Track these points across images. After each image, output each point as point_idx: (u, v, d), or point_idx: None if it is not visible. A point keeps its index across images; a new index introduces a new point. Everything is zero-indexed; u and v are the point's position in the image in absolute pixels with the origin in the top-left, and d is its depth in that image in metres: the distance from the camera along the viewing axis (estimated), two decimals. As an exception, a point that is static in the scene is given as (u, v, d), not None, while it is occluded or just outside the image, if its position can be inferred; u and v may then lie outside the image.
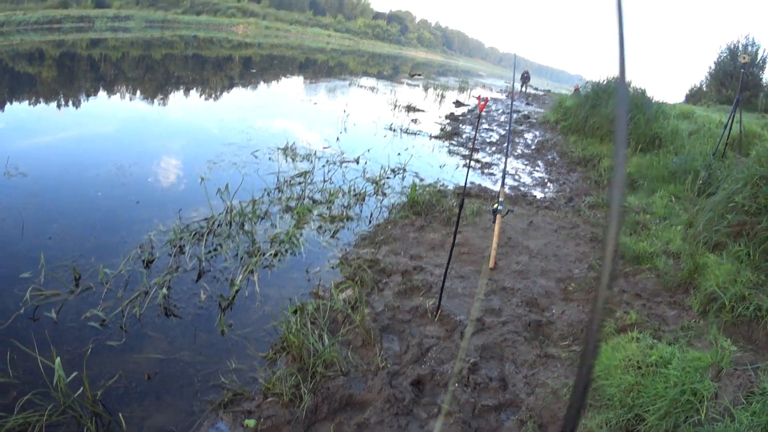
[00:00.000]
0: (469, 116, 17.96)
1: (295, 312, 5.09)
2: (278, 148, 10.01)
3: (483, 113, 19.74)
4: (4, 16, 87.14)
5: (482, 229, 7.04)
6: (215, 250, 6.12)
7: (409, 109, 17.18)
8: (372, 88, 22.59)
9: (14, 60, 40.95)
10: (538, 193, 9.50)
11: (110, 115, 17.11)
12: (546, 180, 10.71)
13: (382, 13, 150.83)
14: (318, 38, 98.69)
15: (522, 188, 9.73)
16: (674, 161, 9.90)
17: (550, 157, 13.03)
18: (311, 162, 9.28)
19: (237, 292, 5.49)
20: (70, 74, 33.26)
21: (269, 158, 9.35)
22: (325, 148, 10.63)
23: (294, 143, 10.30)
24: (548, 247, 6.83)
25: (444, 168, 10.30)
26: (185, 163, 9.07)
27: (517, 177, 10.68)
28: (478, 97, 5.20)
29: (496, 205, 5.68)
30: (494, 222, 5.88)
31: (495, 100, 25.92)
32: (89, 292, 5.22)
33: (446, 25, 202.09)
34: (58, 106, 20.27)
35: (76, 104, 20.67)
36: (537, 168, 11.87)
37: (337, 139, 11.11)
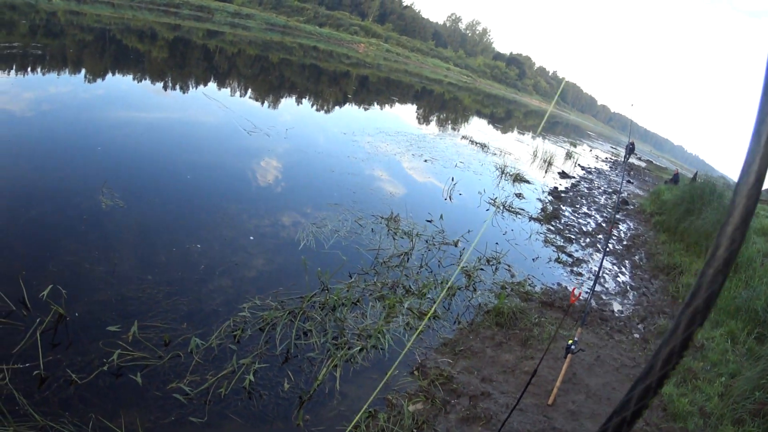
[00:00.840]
0: (571, 193, 18.00)
1: (367, 417, 5.30)
2: (382, 218, 10.19)
3: (584, 188, 19.83)
4: None
5: (554, 358, 7.01)
6: (305, 334, 6.25)
7: (516, 179, 17.19)
8: (482, 146, 22.59)
9: (124, 34, 42.36)
10: (617, 305, 9.52)
11: (218, 117, 17.76)
12: (628, 287, 10.71)
13: (502, 54, 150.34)
14: (437, 70, 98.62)
15: (603, 296, 9.73)
16: (741, 295, 9.64)
17: (638, 257, 13.00)
18: (412, 241, 9.40)
19: (318, 385, 5.67)
20: (181, 59, 34.40)
21: (372, 230, 9.52)
22: (428, 221, 10.77)
23: (398, 214, 10.48)
24: (605, 388, 6.85)
25: (536, 262, 10.36)
26: (291, 222, 9.28)
27: (601, 279, 10.65)
28: (572, 291, 5.75)
29: (570, 342, 5.77)
30: (565, 358, 5.98)
31: (599, 173, 25.83)
32: (177, 361, 5.48)
33: (563, 76, 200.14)
34: (165, 88, 21.88)
35: (184, 89, 22.78)
36: (623, 270, 11.91)
37: (441, 216, 11.08)
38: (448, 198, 13.01)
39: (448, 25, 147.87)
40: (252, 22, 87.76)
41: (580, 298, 8.68)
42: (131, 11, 69.78)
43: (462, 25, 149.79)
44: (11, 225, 7.68)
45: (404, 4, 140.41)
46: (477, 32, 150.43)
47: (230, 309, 6.37)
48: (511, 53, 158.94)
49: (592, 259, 11.79)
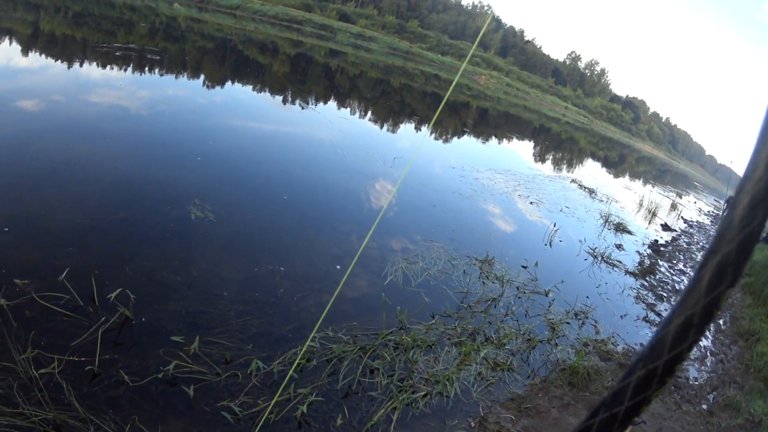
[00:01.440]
0: (670, 247, 17.57)
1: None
2: (477, 259, 10.07)
3: (683, 243, 19.42)
4: (240, 0, 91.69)
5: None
6: (371, 372, 6.14)
7: (618, 228, 16.93)
8: (590, 191, 22.40)
9: (245, 45, 43.14)
10: (693, 371, 9.19)
11: (329, 137, 18.04)
12: (707, 353, 10.34)
13: (618, 97, 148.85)
14: (555, 107, 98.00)
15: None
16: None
17: (721, 320, 12.55)
18: (502, 286, 9.25)
19: (371, 425, 5.57)
20: (302, 75, 34.84)
21: (464, 271, 9.40)
22: (523, 266, 10.63)
23: (494, 257, 10.35)
24: (657, 467, 6.26)
25: (624, 319, 10.10)
26: (382, 255, 9.24)
27: None
28: None
29: None
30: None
31: (699, 227, 25.19)
32: (234, 381, 5.48)
33: (675, 123, 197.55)
34: (284, 101, 22.40)
35: (302, 105, 23.00)
36: (706, 333, 11.21)
37: (536, 264, 10.93)
38: (548, 244, 12.88)
39: (567, 63, 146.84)
40: (374, 45, 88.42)
41: None
42: (253, 23, 71.50)
43: (581, 64, 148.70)
44: (96, 222, 7.92)
45: (526, 38, 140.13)
46: (595, 72, 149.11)
47: (300, 336, 6.36)
48: (627, 96, 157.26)
49: None
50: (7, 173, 9.31)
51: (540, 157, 30.90)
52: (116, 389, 4.97)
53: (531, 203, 16.49)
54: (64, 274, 6.20)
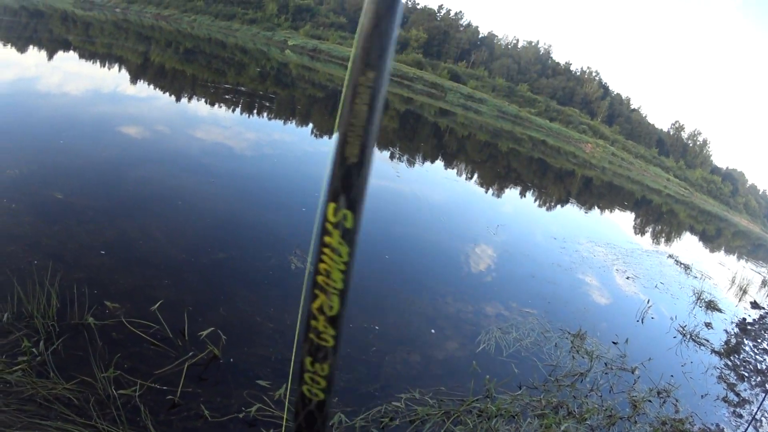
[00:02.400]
0: (757, 326, 17.06)
1: None
2: (569, 333, 10.13)
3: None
4: (350, 52, 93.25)
5: None
6: None
7: (709, 306, 16.59)
8: (686, 267, 22.11)
9: None
10: None
11: (434, 196, 18.69)
12: None
13: (718, 168, 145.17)
14: (657, 179, 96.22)
15: None
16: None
17: None
18: (591, 361, 9.27)
19: None
20: (411, 132, 35.14)
21: (555, 344, 9.46)
22: (614, 342, 10.59)
23: (586, 331, 10.37)
24: None
25: (704, 398, 9.97)
26: (477, 323, 9.30)
27: (760, 423, 10.03)
28: None
29: None
30: None
31: None
32: None
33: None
34: (391, 157, 22.86)
35: (410, 162, 23.63)
36: None
37: (627, 340, 10.80)
38: (640, 320, 12.80)
39: (671, 133, 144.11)
40: (484, 107, 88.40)
41: None
42: (364, 76, 71.34)
43: (684, 134, 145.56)
44: (194, 258, 8.25)
45: (632, 107, 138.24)
46: (698, 143, 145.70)
47: (386, 395, 6.35)
48: (726, 168, 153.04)
49: (757, 400, 11.07)
50: (110, 197, 9.88)
51: (640, 230, 30.55)
52: (194, 421, 5.16)
53: (627, 278, 16.40)
54: (157, 305, 6.35)
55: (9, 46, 30.31)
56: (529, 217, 21.27)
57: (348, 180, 1.39)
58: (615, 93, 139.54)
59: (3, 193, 8.90)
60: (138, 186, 10.85)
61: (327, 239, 1.48)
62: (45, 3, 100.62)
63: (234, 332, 6.55)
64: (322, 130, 24.48)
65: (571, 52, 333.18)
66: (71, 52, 31.81)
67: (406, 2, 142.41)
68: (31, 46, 31.35)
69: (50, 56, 29.01)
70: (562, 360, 8.98)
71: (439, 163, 26.97)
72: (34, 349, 5.32)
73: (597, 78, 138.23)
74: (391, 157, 22.89)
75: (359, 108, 1.33)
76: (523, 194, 26.19)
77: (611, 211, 33.55)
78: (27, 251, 7.16)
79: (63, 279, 6.45)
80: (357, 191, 1.39)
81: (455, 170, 26.53)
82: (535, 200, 26.03)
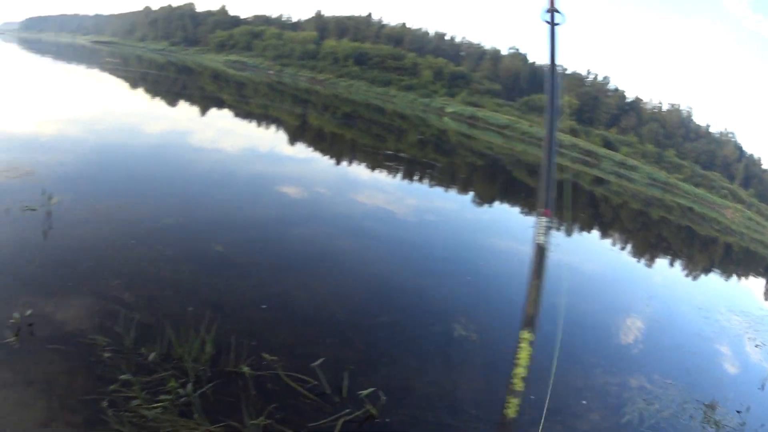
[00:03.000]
0: None
1: None
2: (703, 404, 10.30)
3: None
4: (508, 120, 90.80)
5: None
6: None
7: None
8: None
9: (515, 166, 42.60)
10: None
11: (591, 266, 18.56)
12: None
13: None
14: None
15: None
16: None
17: None
18: (717, 430, 9.48)
19: None
20: (570, 201, 35.09)
21: (690, 415, 9.67)
22: (737, 411, 10.63)
23: (717, 401, 10.46)
24: None
25: None
26: (624, 394, 9.40)
27: None
28: None
29: None
30: None
31: None
32: None
33: None
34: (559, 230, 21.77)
35: (569, 232, 23.17)
36: None
37: (748, 409, 10.81)
38: (761, 387, 12.69)
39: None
40: (636, 174, 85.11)
41: None
42: (521, 144, 71.93)
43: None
44: (359, 320, 8.47)
45: (763, 167, 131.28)
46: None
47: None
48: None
49: None
50: (271, 254, 10.31)
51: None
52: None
53: (756, 346, 16.11)
54: (319, 362, 6.39)
55: (163, 101, 32.19)
56: (676, 287, 21.02)
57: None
58: (749, 154, 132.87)
59: (160, 241, 9.54)
60: (300, 245, 11.24)
61: None
62: (193, 60, 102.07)
63: (394, 394, 6.46)
64: (484, 198, 25.02)
65: (707, 115, 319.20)
66: (226, 110, 32.26)
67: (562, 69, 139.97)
68: (184, 101, 33.13)
69: (203, 112, 30.63)
70: (694, 430, 9.24)
71: (595, 232, 27.12)
72: (180, 390, 5.38)
73: (733, 139, 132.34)
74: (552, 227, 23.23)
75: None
76: (672, 264, 25.76)
77: (746, 278, 32.44)
78: (182, 298, 7.47)
79: (220, 328, 6.49)
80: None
81: (611, 239, 26.63)
82: (683, 269, 25.58)
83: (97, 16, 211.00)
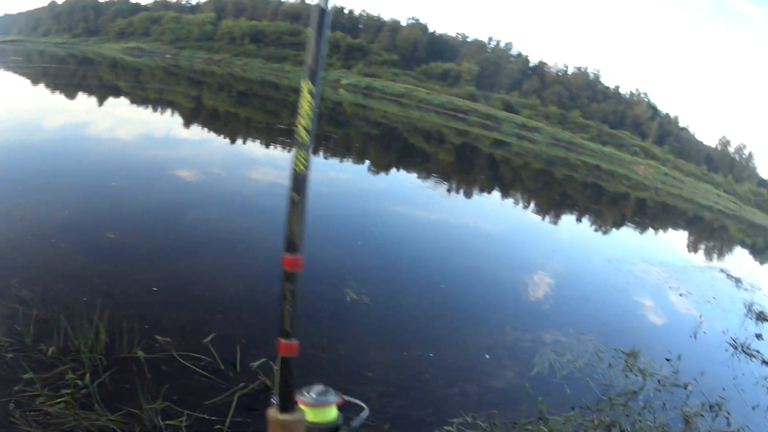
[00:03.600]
0: None
1: None
2: (623, 352, 10.02)
3: None
4: (405, 89, 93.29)
5: None
6: None
7: (759, 317, 16.11)
8: (737, 280, 21.51)
9: (411, 133, 43.49)
10: None
11: (490, 224, 19.04)
12: None
13: (765, 181, 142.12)
14: (708, 196, 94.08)
15: None
16: None
17: None
18: (644, 379, 9.18)
19: None
20: (467, 164, 35.21)
21: (609, 364, 9.40)
22: (666, 359, 10.46)
23: (639, 349, 10.23)
24: None
25: (755, 410, 9.72)
26: (532, 346, 9.28)
27: None
28: None
29: None
30: None
31: None
32: None
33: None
34: (448, 190, 23.14)
35: (467, 194, 24.03)
36: None
37: (679, 357, 10.64)
38: (693, 336, 12.67)
39: (719, 148, 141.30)
40: (538, 135, 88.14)
41: None
42: (418, 112, 73.20)
43: (731, 149, 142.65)
44: (251, 295, 8.30)
45: (680, 125, 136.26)
46: (744, 156, 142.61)
47: (438, 421, 6.20)
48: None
49: None
50: (163, 238, 10.09)
51: (692, 248, 30.04)
52: (242, 450, 5.09)
53: (680, 295, 16.18)
54: (209, 338, 6.37)
55: (58, 92, 31.15)
56: (584, 242, 21.17)
57: None
58: (664, 113, 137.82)
59: (54, 234, 9.20)
60: (192, 227, 11.17)
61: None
62: (93, 51, 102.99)
63: None
64: (379, 166, 24.72)
65: (619, 76, 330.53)
66: (122, 98, 32.37)
67: (456, 35, 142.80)
68: (81, 93, 32.32)
69: (100, 102, 29.93)
70: (615, 379, 8.93)
71: (496, 194, 27.25)
72: (78, 381, 5.32)
73: (645, 99, 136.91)
74: (449, 190, 23.05)
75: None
76: (579, 220, 26.17)
77: (665, 231, 33.22)
78: (76, 289, 7.29)
79: (113, 315, 6.46)
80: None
81: (512, 199, 26.87)
82: (591, 225, 25.99)
83: (5, 16, 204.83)
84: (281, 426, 1.55)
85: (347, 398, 1.84)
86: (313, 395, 1.80)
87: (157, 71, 65.82)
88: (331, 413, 1.78)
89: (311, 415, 1.72)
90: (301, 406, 1.74)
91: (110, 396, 5.23)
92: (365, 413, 1.81)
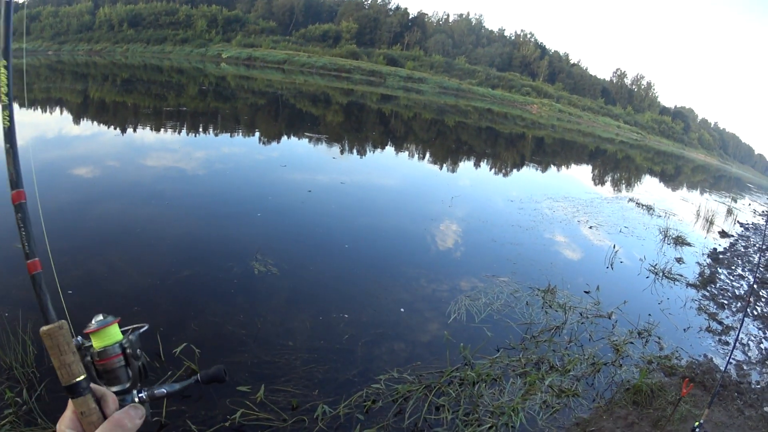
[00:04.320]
0: (728, 254, 17.27)
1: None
2: (539, 290, 10.09)
3: (740, 247, 19.06)
4: (286, 55, 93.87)
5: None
6: (437, 409, 6.12)
7: (677, 242, 16.79)
8: (648, 208, 22.29)
9: (297, 98, 43.39)
10: (755, 375, 8.87)
11: (386, 182, 18.81)
12: None
13: (667, 108, 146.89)
14: (608, 128, 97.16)
15: (744, 366, 9.10)
16: None
17: None
18: (565, 314, 9.27)
19: None
20: (357, 122, 35.01)
21: (526, 303, 9.43)
22: (585, 292, 10.65)
23: (556, 285, 10.34)
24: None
25: (687, 332, 9.96)
26: (444, 295, 9.34)
27: (746, 347, 10.04)
28: (685, 382, 5.68)
29: (696, 424, 5.09)
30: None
31: (755, 229, 24.32)
32: (301, 426, 5.56)
33: (723, 127, 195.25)
34: (341, 152, 23.08)
35: (361, 152, 24.05)
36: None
37: (597, 288, 10.86)
38: (609, 266, 12.88)
39: (614, 81, 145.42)
40: (425, 86, 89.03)
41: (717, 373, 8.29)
42: (302, 76, 73.51)
43: (628, 80, 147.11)
44: (160, 281, 8.26)
45: (572, 62, 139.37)
46: (642, 87, 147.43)
47: (366, 380, 6.47)
48: (675, 106, 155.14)
49: (739, 327, 10.88)
50: (73, 237, 9.73)
51: (599, 180, 30.84)
52: (183, 439, 5.26)
53: (590, 228, 16.53)
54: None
55: None
56: (485, 186, 21.31)
57: None
58: (552, 51, 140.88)
59: None
60: (97, 223, 10.86)
61: None
62: None
63: (208, 345, 6.64)
64: (268, 136, 24.36)
65: (503, 19, 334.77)
66: (16, 105, 31.64)
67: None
68: None
69: None
70: (536, 317, 8.97)
71: (390, 149, 27.07)
72: (18, 399, 5.35)
73: (532, 39, 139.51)
74: (341, 151, 22.83)
75: None
76: (477, 165, 26.38)
77: (567, 167, 33.93)
78: None
79: (35, 325, 6.27)
80: None
81: (407, 153, 26.68)
82: (490, 168, 26.23)
83: None
84: (46, 336, 1.46)
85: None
86: (93, 323, 1.70)
87: (42, 70, 63.96)
88: (114, 333, 1.71)
89: (98, 341, 1.65)
90: (91, 337, 1.69)
91: (51, 407, 5.30)
92: (144, 327, 1.80)
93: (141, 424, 1.48)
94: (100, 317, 1.72)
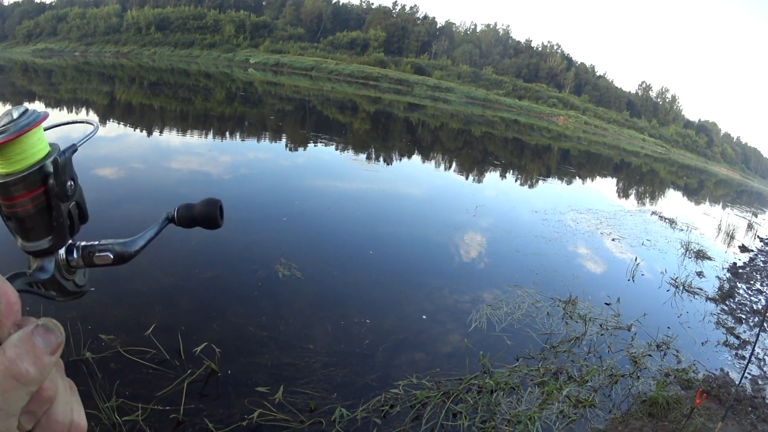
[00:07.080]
0: (747, 268, 17.10)
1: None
2: (560, 300, 10.08)
3: (760, 262, 18.87)
4: (313, 62, 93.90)
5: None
6: (454, 416, 6.08)
7: (698, 255, 16.66)
8: (671, 221, 22.17)
9: (324, 105, 43.34)
10: None
11: (413, 190, 18.73)
12: None
13: (691, 122, 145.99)
14: (633, 141, 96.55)
15: (759, 381, 8.95)
16: None
17: None
18: (585, 324, 9.23)
19: None
20: (384, 131, 34.99)
21: (547, 313, 9.41)
22: (606, 303, 10.59)
23: (577, 296, 10.30)
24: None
25: (705, 345, 9.89)
26: (467, 304, 9.32)
27: (761, 362, 9.86)
28: (698, 392, 5.67)
29: None
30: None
31: None
32: (318, 428, 5.53)
33: (746, 141, 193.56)
34: (368, 159, 23.06)
35: (387, 161, 23.90)
36: None
37: (618, 300, 10.77)
38: (631, 279, 12.80)
39: (640, 93, 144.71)
40: (452, 95, 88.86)
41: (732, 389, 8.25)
42: (329, 83, 73.21)
43: (653, 93, 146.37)
44: (184, 282, 8.34)
45: (598, 74, 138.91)
46: (667, 100, 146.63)
47: (385, 384, 6.41)
48: (699, 120, 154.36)
49: (756, 339, 10.99)
50: (96, 236, 9.75)
51: (622, 193, 30.77)
52: (199, 436, 5.27)
53: (613, 240, 16.43)
54: (150, 330, 6.52)
55: None
56: (510, 197, 21.30)
57: None
58: (579, 63, 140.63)
59: None
60: (120, 224, 10.72)
61: None
62: (2, 57, 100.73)
63: (229, 345, 6.62)
64: (295, 142, 24.42)
65: (530, 30, 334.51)
66: (37, 102, 31.65)
67: (360, 3, 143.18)
68: None
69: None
70: (556, 327, 8.96)
71: (416, 158, 27.05)
72: None
73: (559, 51, 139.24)
74: (368, 158, 22.86)
75: None
76: (503, 176, 26.31)
77: (592, 179, 33.77)
78: None
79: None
80: None
81: (433, 162, 26.67)
82: (516, 179, 26.19)
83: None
84: None
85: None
86: None
87: (69, 71, 64.46)
88: (33, 145, 0.91)
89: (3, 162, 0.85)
90: None
91: (68, 401, 5.23)
92: (94, 130, 1.14)
93: (57, 359, 0.74)
94: (14, 113, 0.91)
